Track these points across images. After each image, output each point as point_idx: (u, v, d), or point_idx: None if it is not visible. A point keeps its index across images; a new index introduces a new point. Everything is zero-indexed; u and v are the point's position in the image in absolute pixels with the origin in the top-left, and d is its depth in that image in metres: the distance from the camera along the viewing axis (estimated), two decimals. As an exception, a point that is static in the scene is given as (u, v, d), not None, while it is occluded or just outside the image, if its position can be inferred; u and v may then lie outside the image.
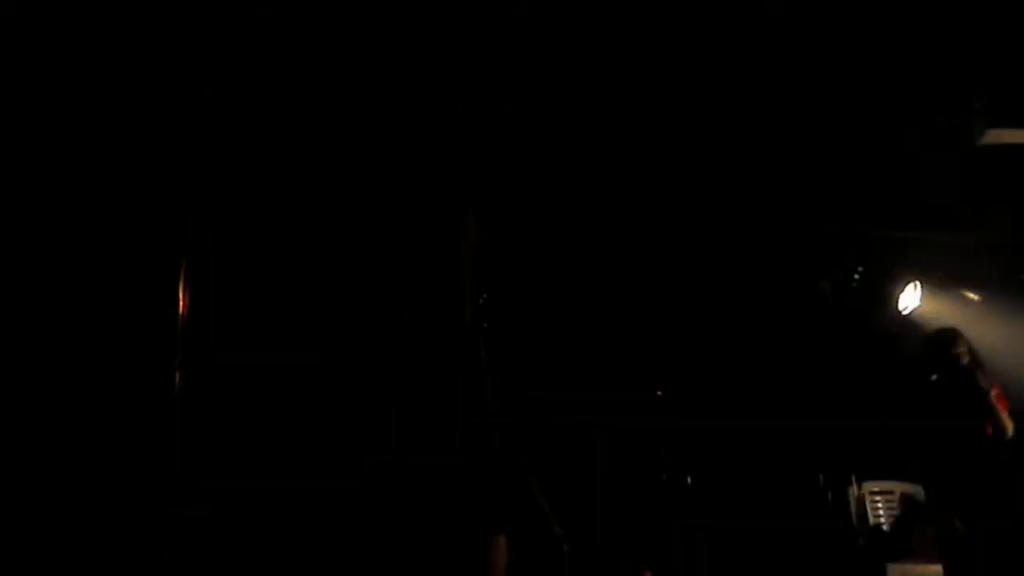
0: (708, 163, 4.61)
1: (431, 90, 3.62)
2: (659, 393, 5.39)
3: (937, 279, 5.46)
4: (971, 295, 5.52)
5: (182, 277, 2.76)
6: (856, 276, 5.27)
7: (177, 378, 2.66)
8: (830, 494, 4.93)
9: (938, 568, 4.94)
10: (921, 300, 5.46)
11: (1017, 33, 3.52)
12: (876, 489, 5.41)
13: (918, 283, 5.41)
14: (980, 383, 4.41)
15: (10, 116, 2.99)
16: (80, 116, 2.99)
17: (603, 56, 3.70)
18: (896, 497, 5.42)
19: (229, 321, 3.03)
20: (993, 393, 4.47)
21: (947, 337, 4.59)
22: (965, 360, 4.51)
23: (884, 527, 5.31)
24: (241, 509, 3.18)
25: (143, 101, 3.02)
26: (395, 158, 3.88)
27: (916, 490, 5.45)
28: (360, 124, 3.72)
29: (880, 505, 5.42)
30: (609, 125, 4.16)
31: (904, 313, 5.48)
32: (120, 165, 2.99)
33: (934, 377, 4.61)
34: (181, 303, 2.73)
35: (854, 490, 5.04)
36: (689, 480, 5.19)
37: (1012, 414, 4.57)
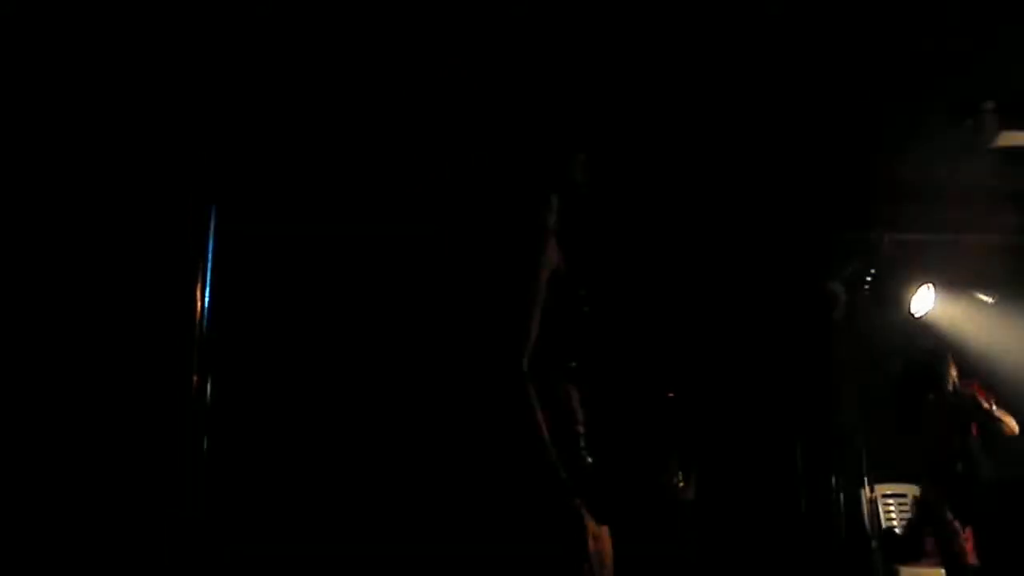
0: (716, 167, 4.61)
1: (437, 90, 3.65)
2: (670, 395, 5.40)
3: (950, 281, 5.45)
4: (984, 297, 5.51)
5: (199, 280, 2.80)
6: (868, 279, 5.26)
7: (195, 381, 2.69)
8: (841, 495, 4.92)
9: (949, 571, 4.96)
10: (935, 302, 5.45)
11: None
12: (888, 492, 5.40)
13: (931, 285, 5.40)
14: (983, 405, 4.58)
15: (22, 121, 3.03)
16: (93, 119, 3.03)
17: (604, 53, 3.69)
18: (908, 500, 5.42)
19: (247, 325, 3.07)
20: (989, 405, 4.63)
21: (938, 360, 4.73)
22: (956, 382, 4.70)
23: (896, 530, 5.31)
24: (257, 512, 3.22)
25: (158, 103, 3.05)
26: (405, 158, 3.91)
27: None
28: (372, 125, 3.75)
29: (892, 508, 5.42)
30: (611, 124, 4.17)
31: (917, 316, 5.47)
32: (137, 169, 3.03)
33: (931, 396, 4.77)
34: (198, 306, 2.77)
35: (866, 492, 5.03)
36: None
37: (1012, 413, 4.70)
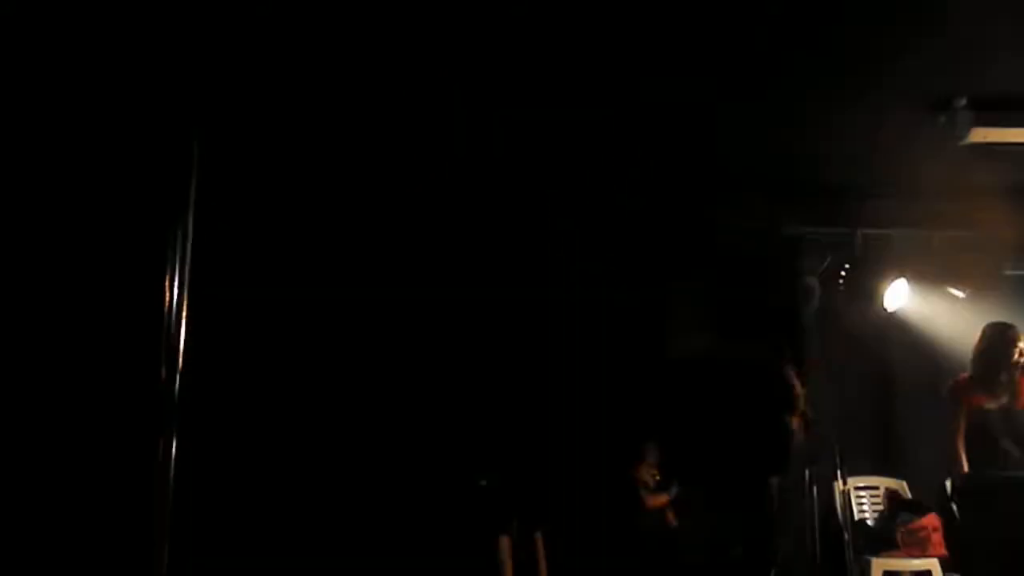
0: (695, 160, 4.63)
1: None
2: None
3: (923, 276, 5.50)
4: (956, 292, 5.57)
5: (168, 272, 2.76)
6: (843, 274, 5.30)
7: (163, 373, 2.66)
8: (815, 488, 4.96)
9: (920, 562, 5.02)
10: (907, 298, 5.50)
11: (1001, 32, 3.55)
12: (861, 484, 5.46)
13: (904, 280, 5.45)
14: None
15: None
16: (66, 114, 2.99)
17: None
18: (881, 492, 5.49)
19: (216, 314, 3.04)
20: None
21: (1012, 334, 4.55)
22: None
23: (868, 521, 5.37)
24: (232, 504, 3.20)
25: (127, 99, 3.01)
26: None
27: (900, 485, 5.52)
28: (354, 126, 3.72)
29: (865, 500, 5.48)
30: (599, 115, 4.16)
31: (890, 311, 5.52)
32: (106, 162, 3.00)
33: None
34: (167, 299, 2.74)
35: (839, 485, 5.08)
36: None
37: None
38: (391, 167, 3.99)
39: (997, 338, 4.60)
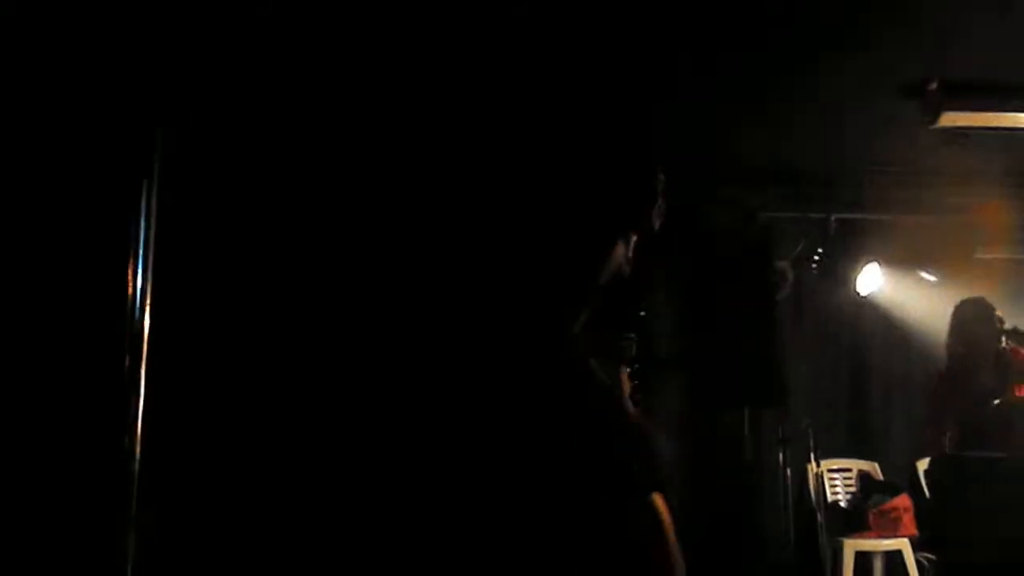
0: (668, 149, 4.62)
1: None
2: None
3: (894, 260, 5.54)
4: (928, 275, 5.61)
5: (130, 261, 2.73)
6: (815, 258, 5.33)
7: (127, 362, 2.63)
8: (788, 470, 5.00)
9: (892, 543, 5.09)
10: (879, 282, 5.54)
11: (971, 16, 3.56)
12: (834, 467, 5.52)
13: (876, 264, 5.49)
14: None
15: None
16: (24, 100, 2.94)
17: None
18: (853, 474, 5.55)
19: (181, 307, 3.01)
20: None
21: (988, 310, 4.41)
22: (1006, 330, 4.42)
23: (841, 503, 5.43)
24: (198, 498, 3.17)
25: (89, 85, 2.96)
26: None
27: (873, 467, 5.59)
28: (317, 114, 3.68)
29: (838, 482, 5.54)
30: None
31: (863, 294, 5.56)
32: (68, 150, 2.95)
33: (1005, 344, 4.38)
34: (129, 288, 2.70)
35: (812, 467, 5.13)
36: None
37: None
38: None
39: (971, 314, 4.49)
